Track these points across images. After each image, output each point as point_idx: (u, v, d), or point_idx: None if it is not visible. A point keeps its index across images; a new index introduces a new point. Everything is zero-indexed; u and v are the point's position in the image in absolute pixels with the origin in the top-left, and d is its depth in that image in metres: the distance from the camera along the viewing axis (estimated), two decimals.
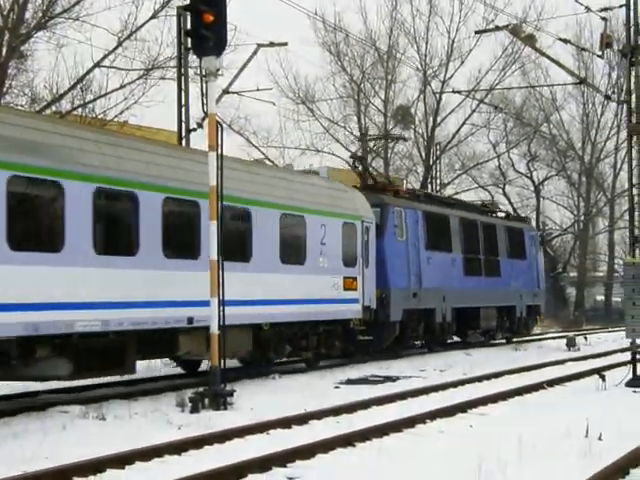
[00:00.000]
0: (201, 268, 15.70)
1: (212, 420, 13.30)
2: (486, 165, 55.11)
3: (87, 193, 14.06)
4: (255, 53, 29.88)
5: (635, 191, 20.09)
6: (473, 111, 47.73)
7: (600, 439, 11.56)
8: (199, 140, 22.06)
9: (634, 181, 20.09)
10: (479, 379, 19.72)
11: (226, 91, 29.87)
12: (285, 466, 10.16)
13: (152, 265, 15.35)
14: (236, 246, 17.60)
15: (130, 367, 15.50)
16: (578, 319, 56.95)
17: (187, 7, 15.86)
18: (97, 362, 14.07)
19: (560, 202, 62.32)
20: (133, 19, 27.99)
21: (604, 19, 21.98)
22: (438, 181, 45.49)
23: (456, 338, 30.93)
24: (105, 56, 27.76)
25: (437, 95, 45.83)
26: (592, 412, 13.57)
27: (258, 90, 32.90)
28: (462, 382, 18.99)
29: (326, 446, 11.10)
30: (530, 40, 30.35)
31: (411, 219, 25.66)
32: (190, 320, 16.19)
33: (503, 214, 35.09)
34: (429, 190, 41.26)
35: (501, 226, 32.03)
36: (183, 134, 23.31)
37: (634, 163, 20.14)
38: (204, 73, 15.64)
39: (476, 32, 35.17)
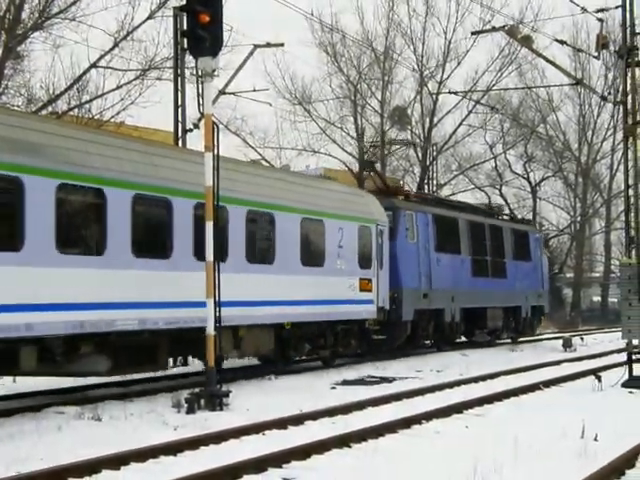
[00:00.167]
0: (227, 269, 16.56)
1: (208, 421, 13.30)
2: (483, 166, 55.10)
3: (126, 199, 14.92)
4: (251, 54, 29.89)
5: (631, 192, 20.11)
6: (470, 112, 47.71)
7: (596, 440, 11.56)
8: (196, 141, 22.09)
9: (630, 182, 20.11)
10: (475, 380, 19.73)
11: (223, 92, 29.86)
12: (281, 467, 10.16)
13: (184, 267, 16.12)
14: (261, 249, 18.63)
15: (163, 364, 16.33)
16: (574, 320, 57.00)
17: (183, 7, 15.85)
18: (133, 359, 14.59)
19: (557, 203, 62.43)
20: (130, 19, 27.98)
21: (600, 20, 22.01)
22: (435, 182, 45.50)
23: (463, 338, 31.50)
24: (102, 56, 27.74)
25: (434, 96, 45.77)
26: (588, 413, 13.59)
27: (255, 91, 32.98)
28: (458, 383, 19.00)
29: (322, 447, 11.10)
30: (527, 41, 30.40)
31: (422, 222, 26.59)
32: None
33: (508, 217, 35.99)
34: (425, 191, 41.29)
35: (507, 228, 32.94)
36: (179, 135, 23.30)
37: (630, 164, 20.16)
38: (200, 74, 15.62)
39: (472, 33, 35.14)
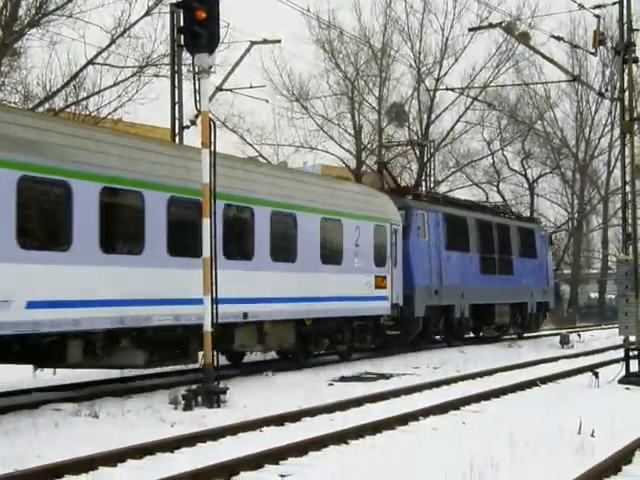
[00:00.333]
0: (253, 267, 18.12)
1: (205, 418, 13.29)
2: (480, 163, 55.12)
3: (162, 201, 15.72)
4: (248, 50, 29.81)
5: (628, 188, 20.13)
6: (467, 109, 47.70)
7: (593, 436, 11.58)
8: (193, 137, 22.06)
9: (627, 178, 20.12)
10: (472, 376, 19.74)
11: (219, 88, 29.81)
12: (277, 463, 10.16)
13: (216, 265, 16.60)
14: (284, 248, 19.43)
15: (193, 357, 16.93)
16: (572, 316, 57.05)
17: (180, 4, 15.85)
18: (167, 352, 15.02)
19: (554, 200, 62.47)
20: (126, 16, 27.93)
21: (597, 16, 21.94)
22: (432, 179, 45.48)
23: (470, 334, 32.12)
24: (98, 53, 27.69)
25: (431, 92, 45.74)
26: (585, 409, 13.60)
27: (251, 87, 32.88)
28: (455, 379, 19.00)
29: (319, 443, 11.11)
30: (524, 38, 30.38)
31: (433, 221, 27.47)
32: (245, 315, 17.94)
33: (514, 215, 36.69)
34: (423, 188, 41.28)
35: (514, 227, 33.77)
36: (177, 131, 23.25)
37: (627, 160, 20.17)
38: (197, 70, 15.61)
39: (470, 30, 35.15)
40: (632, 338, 19.19)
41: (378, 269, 23.13)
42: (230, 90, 31.90)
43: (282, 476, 9.56)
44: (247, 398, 15.34)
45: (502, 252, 32.19)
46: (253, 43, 30.14)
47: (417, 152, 45.29)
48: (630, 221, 19.97)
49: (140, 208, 15.37)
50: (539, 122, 56.26)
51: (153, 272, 15.36)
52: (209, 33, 14.95)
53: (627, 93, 20.24)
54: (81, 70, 27.86)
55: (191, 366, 19.51)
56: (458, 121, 47.96)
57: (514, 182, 59.30)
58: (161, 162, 16.23)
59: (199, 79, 15.67)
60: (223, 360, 22.29)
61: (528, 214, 51.87)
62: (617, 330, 19.89)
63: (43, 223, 13.98)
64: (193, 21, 14.93)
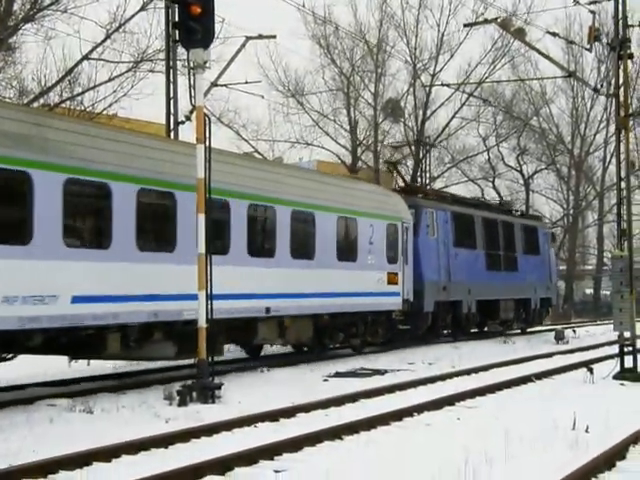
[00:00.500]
0: (275, 265, 19.07)
1: (200, 413, 13.29)
2: (476, 159, 55.08)
3: (192, 200, 15.85)
4: (244, 46, 29.74)
5: (623, 184, 20.13)
6: (463, 104, 47.69)
7: (587, 431, 11.59)
8: (188, 133, 22.03)
9: (622, 175, 20.12)
10: (467, 372, 19.76)
11: (215, 84, 29.75)
12: (272, 459, 10.16)
13: (240, 262, 17.86)
14: (304, 246, 20.27)
15: (220, 350, 17.85)
16: (567, 312, 57.10)
17: None
18: (195, 345, 15.26)
19: (550, 195, 62.47)
20: (121, 11, 27.81)
21: (592, 12, 21.95)
22: (428, 174, 45.45)
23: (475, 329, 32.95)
24: (93, 48, 27.60)
25: (427, 88, 45.72)
26: (579, 405, 13.62)
27: (247, 83, 32.86)
28: (450, 375, 19.02)
29: (314, 439, 11.11)
30: (519, 34, 30.38)
31: (441, 219, 28.43)
32: (267, 310, 18.89)
33: (518, 213, 37.96)
34: (419, 183, 41.27)
35: (518, 224, 34.85)
36: (172, 127, 23.23)
37: (622, 157, 20.17)
38: (192, 65, 15.57)
39: (465, 25, 35.03)
40: (627, 334, 19.23)
41: (390, 266, 23.97)
42: (225, 86, 31.91)
43: (277, 471, 9.55)
44: (242, 394, 15.35)
45: (507, 249, 33.21)
46: (248, 38, 30.06)
47: (413, 148, 45.32)
48: (625, 217, 19.97)
49: (172, 208, 16.23)
50: (535, 118, 56.28)
51: (184, 269, 15.93)
52: (204, 28, 14.91)
53: (622, 89, 20.24)
54: (76, 65, 27.78)
55: (186, 362, 19.54)
56: (454, 117, 48.02)
57: (509, 178, 59.38)
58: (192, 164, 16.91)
59: (194, 74, 15.62)
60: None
61: (524, 210, 51.85)
62: (612, 326, 19.91)
63: (86, 223, 15.02)
64: (188, 16, 14.89)
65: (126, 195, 15.08)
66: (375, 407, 13.90)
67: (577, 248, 63.81)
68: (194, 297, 14.99)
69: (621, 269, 19.29)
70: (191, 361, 17.00)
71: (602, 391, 16.56)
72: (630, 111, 20.87)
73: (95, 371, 19.03)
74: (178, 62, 23.60)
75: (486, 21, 30.53)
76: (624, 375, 18.67)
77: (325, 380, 18.34)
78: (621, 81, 20.20)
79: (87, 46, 27.88)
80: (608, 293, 57.55)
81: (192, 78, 15.89)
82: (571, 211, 60.68)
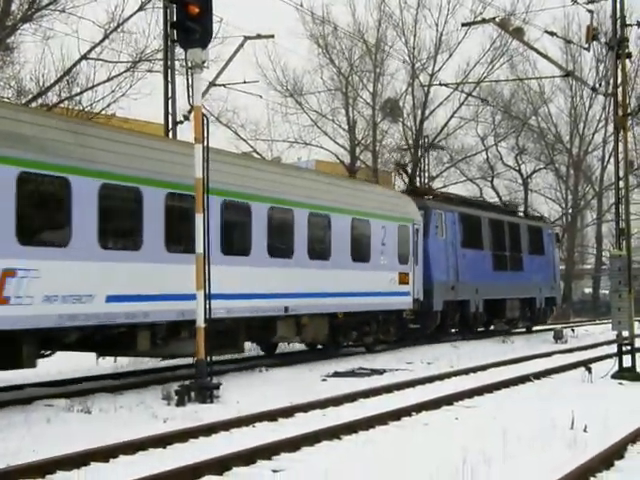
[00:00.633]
0: (294, 265, 19.79)
1: (198, 413, 13.29)
2: (474, 158, 55.05)
3: (217, 204, 17.05)
4: (242, 45, 29.70)
5: (621, 184, 20.12)
6: (461, 104, 47.63)
7: (585, 431, 11.60)
8: (187, 133, 22.02)
9: (620, 174, 20.12)
10: (466, 372, 19.75)
11: (213, 83, 29.74)
12: (270, 459, 10.15)
13: (261, 263, 18.66)
14: (320, 247, 20.99)
15: (241, 347, 19.01)
16: (566, 312, 57.09)
17: None
18: (218, 343, 16.01)
19: (548, 195, 62.41)
20: (120, 11, 27.85)
21: (590, 11, 21.93)
22: (426, 174, 45.45)
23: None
24: (92, 48, 27.60)
25: (425, 88, 45.69)
26: (578, 404, 13.63)
27: (245, 83, 32.84)
28: (448, 375, 19.02)
29: (312, 439, 11.10)
30: (518, 33, 30.37)
31: (449, 220, 29.20)
32: (286, 309, 19.51)
33: (523, 214, 39.18)
34: (417, 183, 41.29)
35: (523, 225, 35.64)
36: (170, 127, 23.21)
37: (620, 156, 20.16)
38: (190, 65, 15.56)
39: (463, 24, 34.97)
40: (625, 333, 19.22)
41: (401, 266, 24.65)
42: (223, 85, 31.89)
43: (275, 471, 9.55)
44: (240, 394, 15.35)
45: (513, 250, 33.97)
46: (247, 38, 30.05)
47: (412, 148, 45.32)
48: (624, 217, 19.97)
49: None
50: (533, 117, 56.27)
51: (210, 270, 16.58)
52: (202, 28, 14.90)
53: (620, 88, 20.23)
54: (74, 65, 27.77)
55: (184, 362, 19.54)
56: (452, 116, 47.96)
57: (508, 177, 59.36)
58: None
59: (192, 74, 15.62)
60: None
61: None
62: (610, 325, 19.90)
63: (119, 226, 15.57)
64: (186, 16, 14.88)
65: (155, 199, 15.70)
66: (373, 407, 13.90)
67: (576, 247, 63.80)
68: (218, 296, 15.72)
69: (619, 268, 19.28)
70: (189, 361, 17.02)
71: (600, 390, 16.56)
72: (628, 110, 20.86)
73: (93, 371, 19.00)
74: (176, 62, 23.59)
75: (484, 20, 30.55)
76: (622, 374, 18.67)
77: (324, 380, 18.33)
78: (619, 80, 20.20)
79: (85, 46, 27.91)
80: (607, 292, 57.59)
81: (190, 78, 15.89)
82: (570, 210, 60.68)
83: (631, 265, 19.51)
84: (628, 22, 20.51)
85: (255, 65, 43.94)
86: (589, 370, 18.18)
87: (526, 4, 46.27)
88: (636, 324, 19.51)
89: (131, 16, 28.00)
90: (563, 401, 14.59)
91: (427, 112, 46.66)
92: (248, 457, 9.97)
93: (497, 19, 30.06)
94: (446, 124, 47.88)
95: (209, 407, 14.11)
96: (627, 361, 19.03)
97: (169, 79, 22.99)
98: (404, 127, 46.63)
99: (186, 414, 13.22)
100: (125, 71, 28.42)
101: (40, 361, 15.04)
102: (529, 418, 12.74)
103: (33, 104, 26.65)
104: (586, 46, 22.33)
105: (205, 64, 15.50)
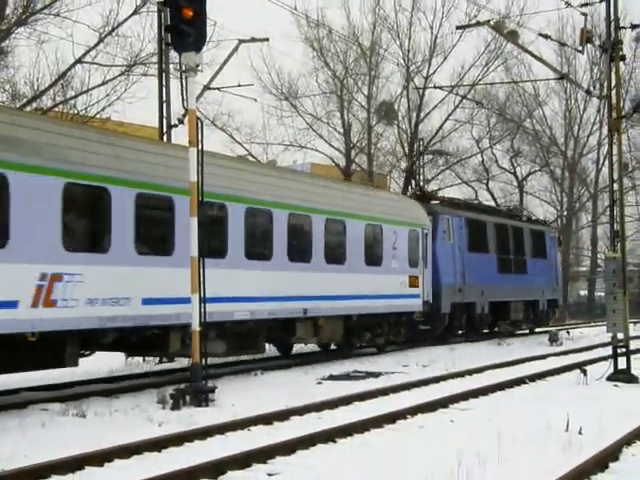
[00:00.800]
0: (312, 269, 20.61)
1: (193, 417, 13.27)
2: (469, 161, 55.04)
3: (241, 211, 18.13)
4: (236, 49, 29.68)
5: (616, 186, 20.15)
6: (456, 107, 47.58)
7: (580, 433, 11.61)
8: (181, 136, 22.00)
9: (615, 176, 20.15)
10: (461, 374, 19.76)
11: (207, 87, 29.73)
12: (265, 462, 10.15)
13: (281, 267, 19.48)
14: (336, 251, 21.78)
15: (261, 348, 19.89)
16: (561, 314, 57.09)
17: (167, 2, 15.72)
18: (241, 343, 16.71)
19: (543, 197, 62.42)
20: (114, 15, 27.89)
21: (584, 14, 21.97)
22: (421, 177, 45.45)
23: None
24: (86, 52, 27.60)
25: (420, 91, 45.67)
26: (573, 406, 13.64)
27: (240, 86, 32.81)
28: (444, 377, 19.02)
29: (307, 442, 11.11)
30: (512, 36, 30.38)
31: (456, 225, 30.10)
32: (305, 311, 20.34)
33: (525, 218, 39.63)
34: (413, 185, 41.30)
35: (527, 229, 36.54)
36: (164, 130, 23.22)
37: (615, 158, 20.19)
38: (184, 69, 15.55)
39: (457, 27, 35.10)
40: (620, 335, 19.24)
41: (412, 269, 25.46)
42: (218, 89, 31.83)
43: (270, 475, 9.56)
44: (235, 397, 15.32)
45: (517, 253, 34.92)
46: (241, 41, 30.01)
47: (406, 150, 45.33)
48: (618, 219, 20.00)
49: (223, 220, 17.74)
50: (528, 120, 56.30)
51: (234, 273, 17.73)
52: (196, 31, 14.90)
53: (614, 91, 20.27)
54: (69, 69, 27.78)
55: (179, 365, 19.51)
56: (447, 119, 47.93)
57: (503, 180, 59.42)
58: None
59: (186, 78, 15.60)
60: (212, 360, 22.64)
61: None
62: (605, 327, 19.92)
63: (153, 232, 16.42)
64: (180, 19, 14.87)
65: (186, 207, 15.85)
66: (369, 410, 13.89)
67: (571, 250, 63.84)
68: (244, 299, 16.90)
69: (614, 270, 19.30)
70: (184, 364, 17.06)
71: (596, 393, 16.58)
72: (622, 113, 20.90)
73: (87, 375, 18.97)
74: (171, 65, 23.59)
75: (479, 23, 30.51)
76: (617, 376, 18.69)
77: (319, 383, 18.32)
78: (613, 83, 20.22)
79: (80, 50, 27.91)
80: (602, 294, 57.65)
81: (185, 81, 15.85)
82: (565, 213, 60.73)
83: (626, 267, 19.55)
84: (622, 25, 20.56)
85: (250, 68, 43.96)
86: (584, 372, 18.20)
87: (520, 7, 46.39)
88: (631, 326, 19.50)
89: (126, 20, 28.05)
90: (558, 403, 14.60)
91: (422, 115, 46.66)
92: (243, 461, 9.96)
93: (492, 22, 30.01)
94: (441, 127, 47.89)
95: (204, 411, 14.09)
96: (622, 363, 19.04)
97: (163, 82, 23.03)
98: (399, 130, 46.65)
99: (181, 418, 13.21)
100: (120, 75, 28.45)
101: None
102: (524, 420, 12.76)
103: (27, 108, 26.63)
104: (580, 49, 22.37)
105: (199, 67, 15.49)
